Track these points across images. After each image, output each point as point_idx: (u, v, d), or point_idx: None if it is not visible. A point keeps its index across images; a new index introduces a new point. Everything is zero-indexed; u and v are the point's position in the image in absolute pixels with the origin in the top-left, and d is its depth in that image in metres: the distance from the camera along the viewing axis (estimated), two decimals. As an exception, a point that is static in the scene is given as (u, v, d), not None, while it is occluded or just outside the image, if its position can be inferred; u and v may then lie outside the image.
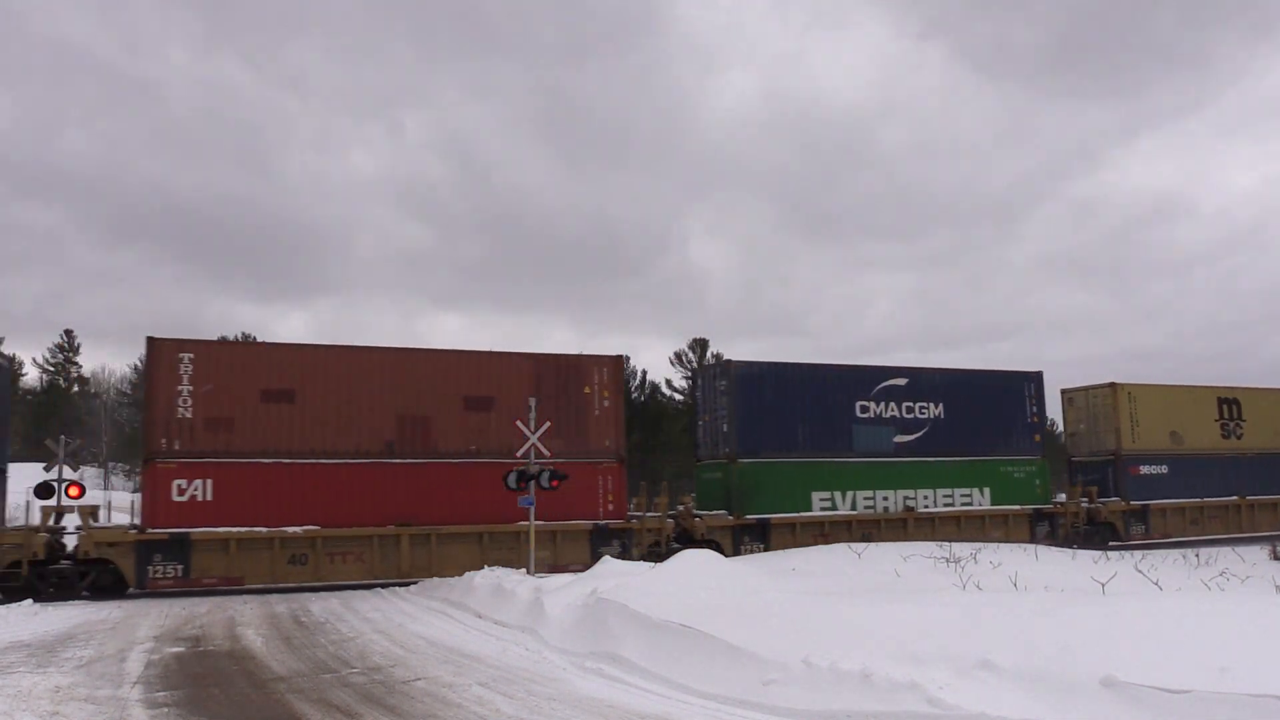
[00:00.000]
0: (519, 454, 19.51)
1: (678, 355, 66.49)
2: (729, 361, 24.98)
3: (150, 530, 19.13)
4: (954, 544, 20.87)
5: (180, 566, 19.12)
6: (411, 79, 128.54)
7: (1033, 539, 26.29)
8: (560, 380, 22.46)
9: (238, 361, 20.59)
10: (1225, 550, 22.93)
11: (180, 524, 19.20)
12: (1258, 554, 21.76)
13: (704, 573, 14.00)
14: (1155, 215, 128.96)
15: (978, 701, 7.38)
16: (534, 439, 19.30)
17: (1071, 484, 29.60)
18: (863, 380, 25.84)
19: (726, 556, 20.59)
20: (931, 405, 26.47)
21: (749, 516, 23.83)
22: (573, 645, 11.56)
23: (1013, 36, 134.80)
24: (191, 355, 19.81)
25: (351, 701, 9.02)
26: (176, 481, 19.33)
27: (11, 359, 20.61)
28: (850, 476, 25.09)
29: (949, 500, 26.26)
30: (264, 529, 19.68)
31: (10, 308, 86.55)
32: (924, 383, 26.61)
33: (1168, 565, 18.25)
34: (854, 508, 25.00)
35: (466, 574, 18.35)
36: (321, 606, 17.20)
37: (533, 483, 19.36)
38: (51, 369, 67.29)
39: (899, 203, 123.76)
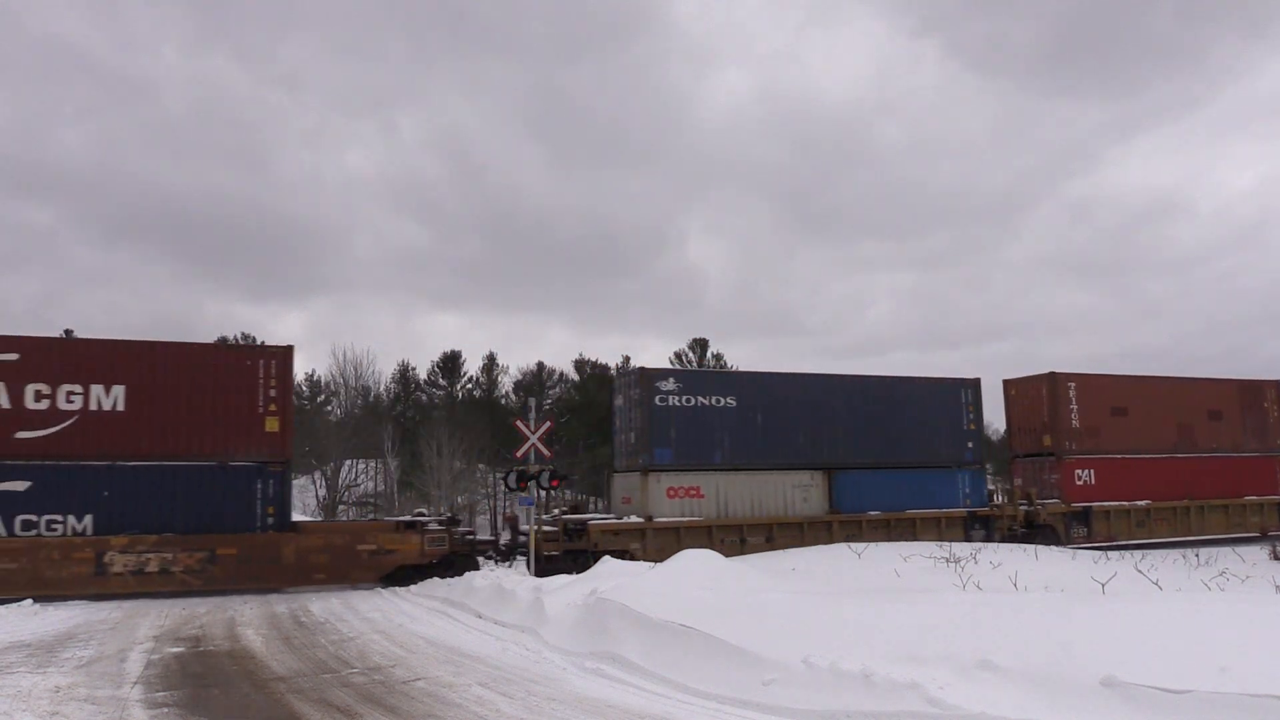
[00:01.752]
0: (518, 454, 19.52)
1: (677, 355, 66.64)
2: None
3: (1072, 505, 27.62)
4: (955, 544, 20.91)
5: (1085, 529, 27.54)
6: (406, 77, 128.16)
7: None
8: (1250, 397, 32.10)
9: (1098, 388, 29.47)
10: (1225, 550, 23.00)
11: (1083, 500, 28.02)
12: (1258, 554, 21.81)
13: (704, 573, 14.01)
14: (1154, 215, 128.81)
15: (978, 701, 7.38)
16: (534, 439, 19.31)
17: None
18: None
19: None
20: None
21: None
22: (573, 645, 11.56)
23: (1009, 34, 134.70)
24: (1074, 384, 29.03)
25: (352, 701, 9.02)
26: (1076, 471, 28.33)
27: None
28: None
29: None
30: (1125, 503, 28.46)
31: (7, 307, 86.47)
32: None
33: (1167, 565, 18.29)
34: None
35: (466, 574, 18.32)
36: (321, 606, 17.21)
37: (533, 483, 19.37)
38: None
39: (896, 201, 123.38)
